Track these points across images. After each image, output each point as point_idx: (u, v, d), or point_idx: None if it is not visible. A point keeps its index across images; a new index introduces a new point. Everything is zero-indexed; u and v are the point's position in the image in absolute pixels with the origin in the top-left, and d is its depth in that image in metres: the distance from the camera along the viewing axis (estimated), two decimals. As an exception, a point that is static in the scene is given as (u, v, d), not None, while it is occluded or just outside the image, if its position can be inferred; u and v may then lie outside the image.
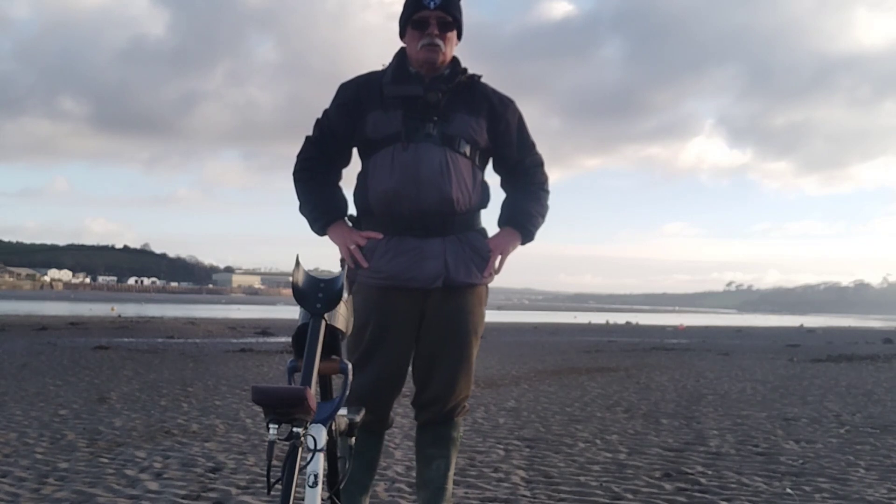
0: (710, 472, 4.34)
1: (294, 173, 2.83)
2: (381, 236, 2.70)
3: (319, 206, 2.80)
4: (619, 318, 54.49)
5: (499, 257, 2.81)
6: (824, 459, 4.77)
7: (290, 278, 2.07)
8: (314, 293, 2.04)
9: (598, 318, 54.03)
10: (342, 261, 2.76)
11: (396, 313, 2.68)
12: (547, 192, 2.93)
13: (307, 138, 2.85)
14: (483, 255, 2.76)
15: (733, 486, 4.03)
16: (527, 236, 2.87)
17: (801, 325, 48.75)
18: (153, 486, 3.83)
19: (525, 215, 2.85)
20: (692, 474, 4.29)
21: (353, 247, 2.71)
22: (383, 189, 2.68)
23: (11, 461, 4.35)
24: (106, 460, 4.43)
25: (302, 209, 2.82)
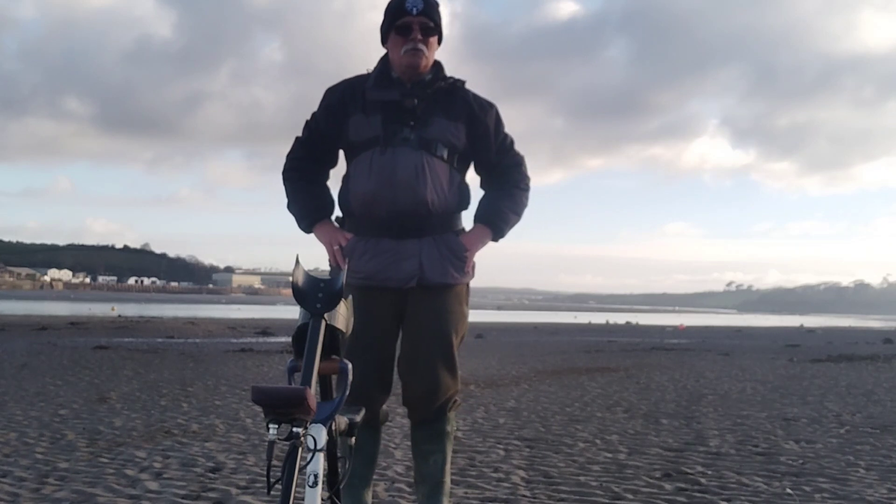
0: (710, 472, 4.34)
1: (284, 172, 2.93)
2: (350, 236, 2.80)
3: (307, 205, 2.89)
4: (620, 318, 54.50)
5: (468, 254, 2.88)
6: (824, 459, 4.77)
7: (290, 278, 2.07)
8: (314, 293, 2.05)
9: (599, 318, 54.05)
10: (330, 262, 2.84)
11: (376, 312, 2.75)
12: (523, 190, 2.97)
13: (297, 139, 2.94)
14: (459, 256, 2.82)
15: (733, 486, 4.03)
16: (497, 233, 2.93)
17: (801, 326, 48.76)
18: (153, 485, 3.83)
19: (496, 213, 2.92)
20: (692, 474, 4.29)
21: (336, 247, 2.80)
22: (362, 192, 2.77)
23: (11, 461, 4.35)
24: (106, 460, 4.43)
25: (290, 207, 2.91)
